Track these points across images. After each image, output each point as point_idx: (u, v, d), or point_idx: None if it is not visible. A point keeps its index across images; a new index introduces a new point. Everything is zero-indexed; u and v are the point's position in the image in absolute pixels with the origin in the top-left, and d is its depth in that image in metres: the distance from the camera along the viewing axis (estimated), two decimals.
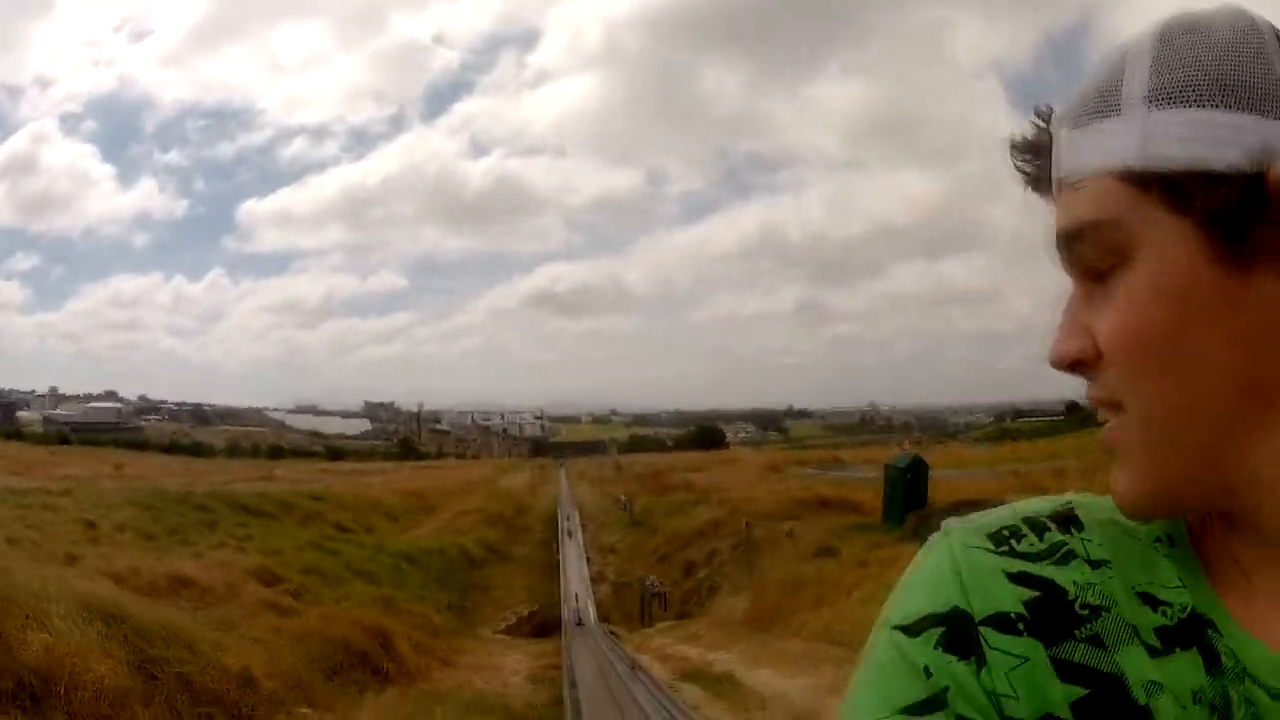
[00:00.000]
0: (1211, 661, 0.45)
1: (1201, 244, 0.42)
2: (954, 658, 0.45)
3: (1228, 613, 0.45)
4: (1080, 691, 0.44)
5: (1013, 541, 0.48)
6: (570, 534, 41.75)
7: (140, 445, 67.28)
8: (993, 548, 0.48)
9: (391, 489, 43.80)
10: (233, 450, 75.09)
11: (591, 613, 27.66)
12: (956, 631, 0.46)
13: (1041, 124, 0.47)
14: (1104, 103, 0.44)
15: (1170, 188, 0.42)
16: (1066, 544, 0.48)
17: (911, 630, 0.47)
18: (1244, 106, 0.42)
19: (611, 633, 23.93)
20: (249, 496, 28.17)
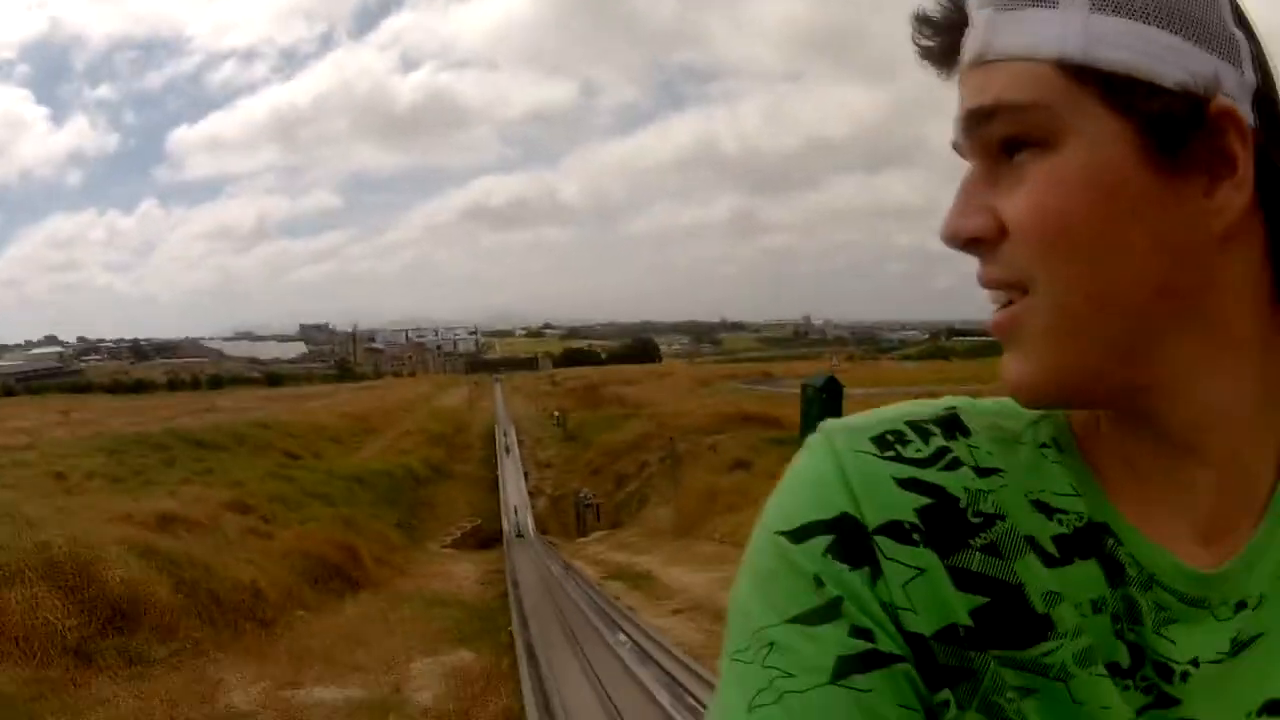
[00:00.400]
0: (1113, 570, 0.44)
1: (1136, 146, 0.42)
2: (845, 567, 0.44)
3: (1125, 520, 0.45)
4: (980, 600, 0.44)
5: (898, 446, 0.46)
6: (508, 450, 43.99)
7: (84, 388, 66.73)
8: (878, 452, 0.46)
9: (333, 412, 45.08)
10: (173, 384, 75.03)
11: (530, 525, 30.08)
12: (847, 539, 0.44)
13: (949, 4, 0.46)
14: None
15: (1111, 87, 0.42)
16: (952, 450, 0.47)
17: (797, 536, 0.45)
18: (1189, 36, 0.42)
19: (550, 543, 26.47)
20: (202, 432, 29.52)
